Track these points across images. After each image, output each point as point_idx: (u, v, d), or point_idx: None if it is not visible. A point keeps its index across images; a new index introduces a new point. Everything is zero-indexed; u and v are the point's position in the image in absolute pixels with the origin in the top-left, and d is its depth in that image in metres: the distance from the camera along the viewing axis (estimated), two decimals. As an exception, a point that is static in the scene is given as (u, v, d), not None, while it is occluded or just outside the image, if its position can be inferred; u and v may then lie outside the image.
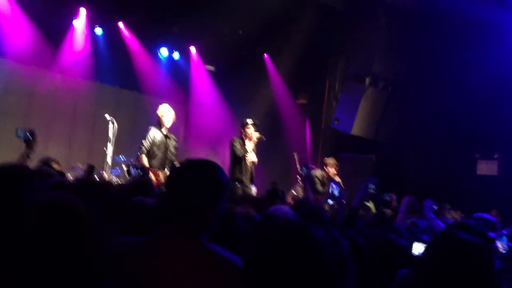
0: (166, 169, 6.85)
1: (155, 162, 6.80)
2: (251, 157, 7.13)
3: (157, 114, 7.03)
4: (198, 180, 1.78)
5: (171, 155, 6.98)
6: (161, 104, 7.28)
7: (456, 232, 1.67)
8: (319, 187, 7.97)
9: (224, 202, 1.86)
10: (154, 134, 6.87)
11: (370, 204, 5.28)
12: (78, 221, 1.45)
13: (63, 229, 1.41)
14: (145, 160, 6.73)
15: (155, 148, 6.83)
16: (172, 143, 7.04)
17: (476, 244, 1.60)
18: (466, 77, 8.06)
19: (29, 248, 1.37)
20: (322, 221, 3.09)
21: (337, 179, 7.95)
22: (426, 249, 1.74)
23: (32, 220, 1.42)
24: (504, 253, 2.74)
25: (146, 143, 6.78)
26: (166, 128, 7.00)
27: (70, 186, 2.83)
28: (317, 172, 8.28)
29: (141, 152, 6.77)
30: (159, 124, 6.97)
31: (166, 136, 6.97)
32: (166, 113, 6.97)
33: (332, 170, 8.14)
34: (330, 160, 8.27)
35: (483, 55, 7.85)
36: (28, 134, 3.91)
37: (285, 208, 3.28)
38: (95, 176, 7.92)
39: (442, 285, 1.54)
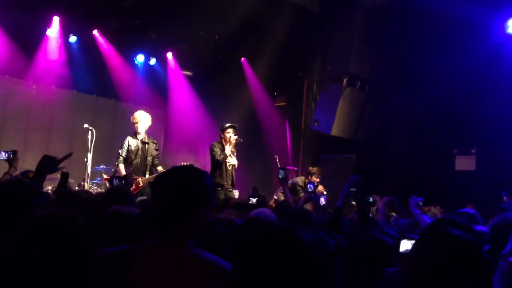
0: (147, 174, 6.92)
1: (133, 169, 6.87)
2: (232, 161, 7.15)
3: (131, 122, 7.09)
4: (184, 187, 1.77)
5: (151, 160, 7.02)
6: (141, 110, 7.27)
7: (446, 228, 1.66)
8: (302, 195, 8.01)
9: (211, 208, 1.86)
10: (129, 142, 6.96)
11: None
12: (80, 237, 1.42)
13: (65, 246, 1.39)
14: (122, 168, 6.84)
15: (132, 156, 6.91)
16: (151, 147, 7.05)
17: (469, 240, 1.59)
18: (442, 74, 8.20)
19: (29, 264, 1.35)
20: (307, 221, 3.09)
21: (320, 188, 8.02)
22: (415, 246, 1.73)
23: (30, 236, 1.39)
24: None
25: (122, 152, 6.90)
26: (143, 133, 7.01)
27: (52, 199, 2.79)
28: (299, 180, 8.32)
29: (118, 162, 6.91)
30: (135, 132, 7.02)
31: (143, 142, 6.98)
32: (140, 119, 7.02)
33: (315, 179, 8.21)
34: (315, 170, 8.34)
35: (459, 51, 7.99)
36: (10, 154, 3.98)
37: (267, 211, 3.27)
38: (76, 186, 7.85)
39: (432, 282, 1.53)
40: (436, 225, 2.37)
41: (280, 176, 4.85)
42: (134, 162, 6.89)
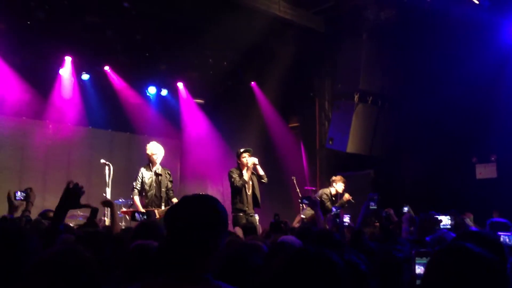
0: (162, 206, 6.89)
1: (148, 201, 6.86)
2: (260, 170, 7.14)
3: (146, 154, 7.08)
4: (196, 218, 1.73)
5: (165, 192, 6.99)
6: (154, 142, 7.30)
7: (465, 244, 1.55)
8: (329, 205, 7.95)
9: (225, 236, 1.82)
10: (143, 174, 6.95)
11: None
12: (86, 272, 1.42)
13: (73, 282, 1.39)
14: (137, 201, 6.84)
15: (146, 188, 6.89)
16: (165, 179, 7.04)
17: (486, 257, 1.47)
18: (454, 81, 8.10)
19: None
20: (332, 243, 3.04)
21: (347, 196, 8.01)
22: (428, 264, 1.64)
23: (39, 278, 1.39)
24: None
25: (136, 184, 6.90)
26: (158, 165, 7.03)
27: (80, 239, 2.79)
28: (326, 190, 8.26)
29: (133, 194, 6.90)
30: (149, 163, 7.03)
31: (156, 174, 6.98)
32: (156, 151, 7.03)
33: (340, 186, 8.19)
34: (337, 177, 8.29)
35: (469, 58, 7.91)
36: (26, 193, 4.21)
37: (291, 238, 3.23)
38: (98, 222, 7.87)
39: None
40: (455, 240, 2.29)
41: (307, 204, 4.71)
42: (149, 194, 6.87)
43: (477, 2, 7.45)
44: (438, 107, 8.49)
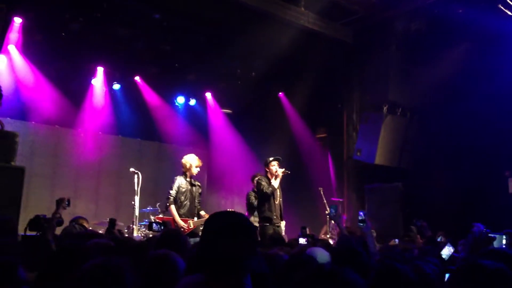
0: (195, 217, 6.89)
1: (183, 211, 6.86)
2: (279, 171, 7.08)
3: (182, 164, 7.09)
4: (230, 242, 1.78)
5: (197, 203, 7.03)
6: (182, 151, 7.39)
7: (480, 260, 1.58)
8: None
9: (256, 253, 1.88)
10: (180, 183, 6.94)
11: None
12: (122, 284, 1.47)
13: None
14: (173, 210, 6.79)
15: (182, 197, 6.88)
16: (197, 190, 7.09)
17: (501, 271, 1.51)
18: (485, 93, 7.92)
19: None
20: (357, 259, 2.99)
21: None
22: (450, 279, 1.65)
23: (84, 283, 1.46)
24: None
25: (172, 192, 6.86)
26: (192, 176, 7.08)
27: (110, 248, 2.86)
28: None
29: (170, 203, 6.84)
30: (184, 173, 7.04)
31: (191, 184, 7.03)
32: (192, 162, 7.05)
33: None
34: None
35: (500, 69, 7.76)
36: (68, 203, 4.67)
37: (320, 250, 3.21)
38: (126, 229, 7.99)
39: None
40: (476, 257, 2.26)
41: (332, 214, 4.65)
42: (184, 203, 6.89)
43: (510, 14, 7.32)
44: (468, 119, 8.32)
